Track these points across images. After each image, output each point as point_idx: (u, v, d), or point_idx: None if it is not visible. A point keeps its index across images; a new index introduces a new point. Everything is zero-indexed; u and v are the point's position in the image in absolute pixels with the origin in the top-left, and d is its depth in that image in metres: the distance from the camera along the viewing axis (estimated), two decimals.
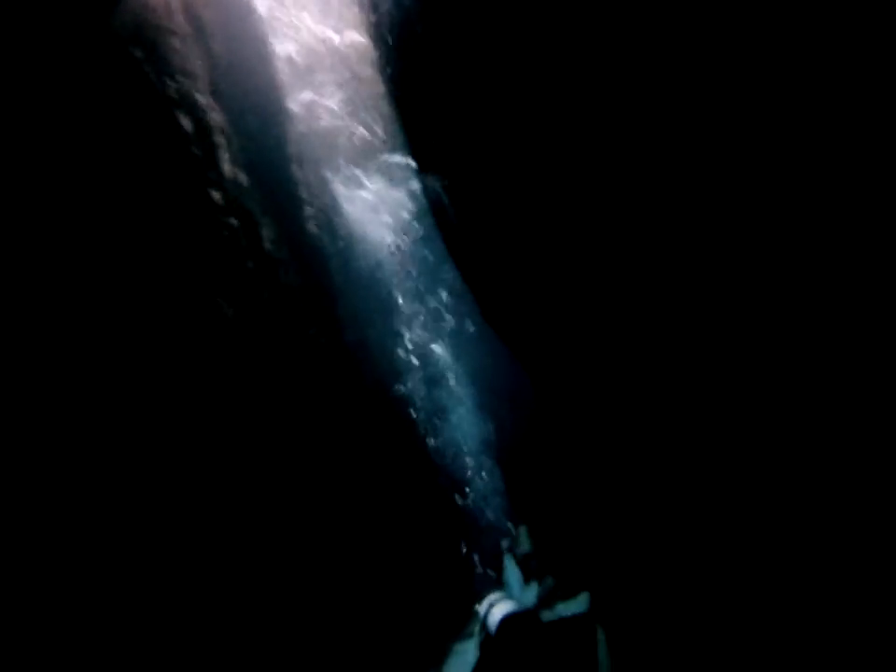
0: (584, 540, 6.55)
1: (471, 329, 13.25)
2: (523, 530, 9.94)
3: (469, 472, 12.69)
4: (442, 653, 7.03)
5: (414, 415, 11.23)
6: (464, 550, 10.31)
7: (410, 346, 12.58)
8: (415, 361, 12.37)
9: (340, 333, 7.96)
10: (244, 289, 5.51)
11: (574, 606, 7.36)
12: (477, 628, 4.15)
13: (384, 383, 9.30)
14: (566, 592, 7.75)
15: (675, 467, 3.12)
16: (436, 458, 11.79)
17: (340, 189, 11.71)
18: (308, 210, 8.26)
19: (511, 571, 9.20)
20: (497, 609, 4.07)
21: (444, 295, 13.93)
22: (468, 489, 12.29)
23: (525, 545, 9.37)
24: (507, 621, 3.91)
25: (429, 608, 7.68)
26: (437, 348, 13.76)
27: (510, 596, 4.38)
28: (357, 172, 12.83)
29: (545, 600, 7.93)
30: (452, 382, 13.89)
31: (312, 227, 8.23)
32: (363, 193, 12.85)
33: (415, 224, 13.19)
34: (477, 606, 4.35)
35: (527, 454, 11.23)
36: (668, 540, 3.42)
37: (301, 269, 7.17)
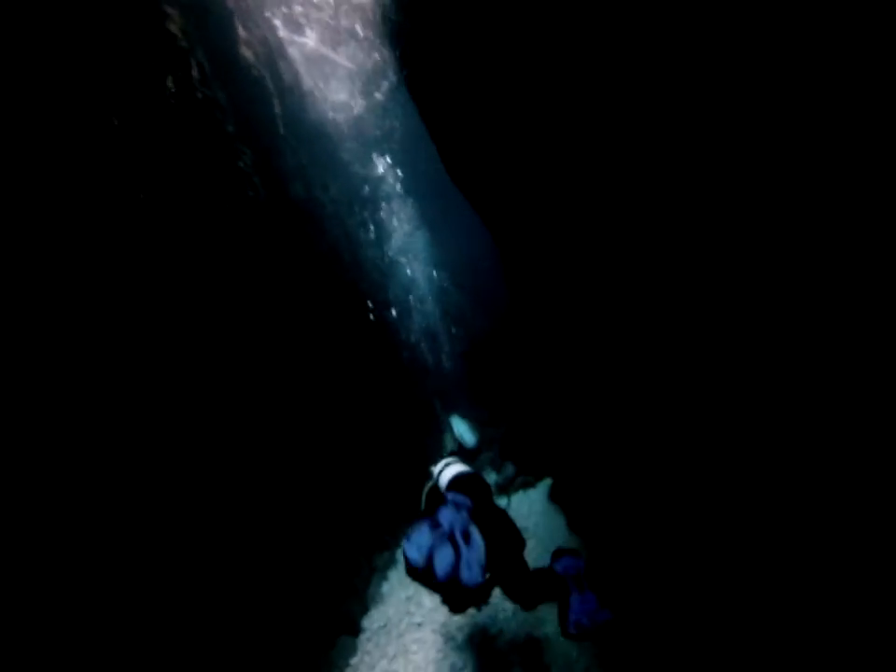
0: (546, 436, 6.80)
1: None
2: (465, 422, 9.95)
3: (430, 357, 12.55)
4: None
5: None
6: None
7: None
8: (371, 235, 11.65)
9: (285, 188, 6.95)
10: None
11: (533, 494, 7.52)
12: (429, 484, 4.06)
13: (338, 251, 8.45)
14: (525, 481, 7.86)
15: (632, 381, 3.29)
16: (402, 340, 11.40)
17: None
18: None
19: (460, 425, 9.39)
20: (449, 469, 4.03)
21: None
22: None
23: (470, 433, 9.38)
24: (457, 478, 3.88)
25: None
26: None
27: (463, 462, 4.18)
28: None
29: (503, 486, 8.07)
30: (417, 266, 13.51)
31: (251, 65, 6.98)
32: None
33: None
34: (432, 466, 4.20)
35: (492, 354, 11.51)
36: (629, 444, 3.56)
37: (238, 115, 6.06)
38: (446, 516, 3.25)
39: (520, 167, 3.96)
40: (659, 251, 2.75)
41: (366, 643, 5.33)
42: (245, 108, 6.30)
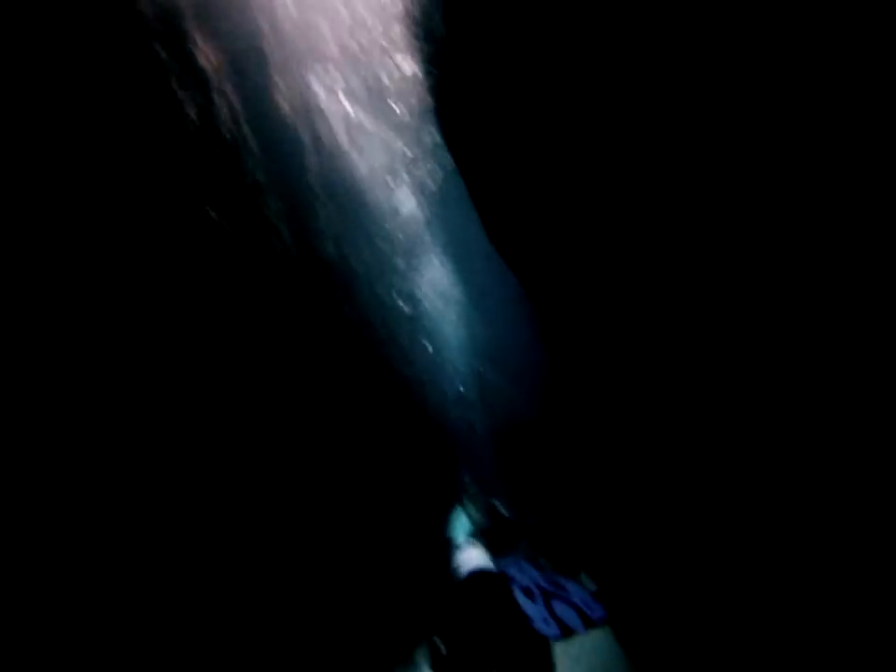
0: (584, 531, 5.93)
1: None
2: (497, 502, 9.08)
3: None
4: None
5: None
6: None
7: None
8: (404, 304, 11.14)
9: (315, 246, 6.47)
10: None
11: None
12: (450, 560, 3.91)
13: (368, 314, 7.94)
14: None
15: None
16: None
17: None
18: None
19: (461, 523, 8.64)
20: (470, 556, 3.86)
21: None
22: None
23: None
24: (477, 574, 3.63)
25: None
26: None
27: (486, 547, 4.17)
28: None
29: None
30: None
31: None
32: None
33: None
34: (454, 536, 4.33)
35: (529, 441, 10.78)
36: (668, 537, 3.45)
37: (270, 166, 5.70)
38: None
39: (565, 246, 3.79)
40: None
41: None
42: (278, 159, 5.92)
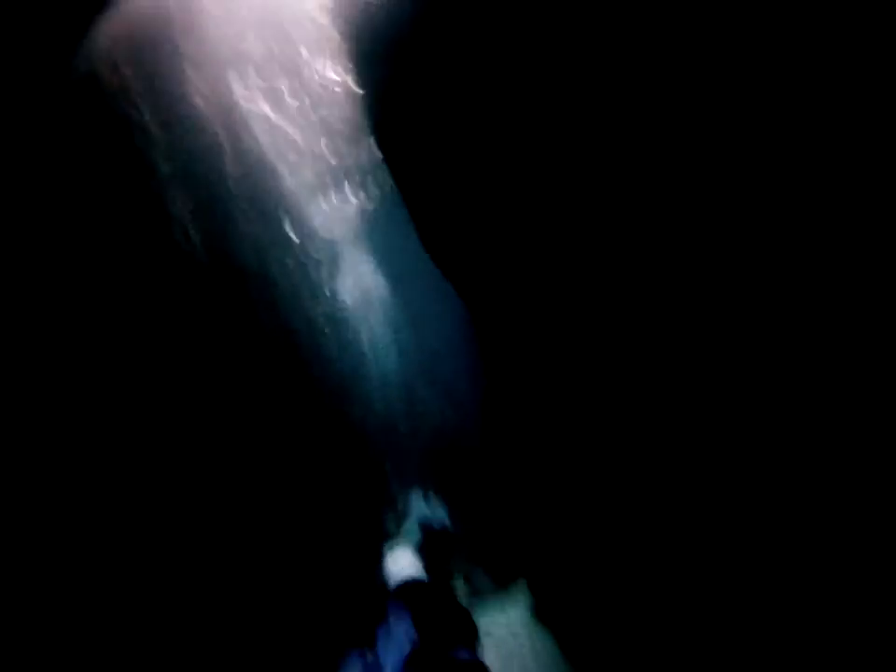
0: (524, 537, 6.07)
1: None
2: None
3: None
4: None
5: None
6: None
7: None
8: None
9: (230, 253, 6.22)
10: None
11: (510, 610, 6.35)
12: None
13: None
14: (498, 588, 6.72)
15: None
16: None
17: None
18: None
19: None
20: (400, 564, 3.52)
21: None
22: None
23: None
24: (406, 587, 3.27)
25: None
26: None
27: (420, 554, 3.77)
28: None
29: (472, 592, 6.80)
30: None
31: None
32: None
33: None
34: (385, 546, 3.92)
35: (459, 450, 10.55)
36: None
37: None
38: (386, 649, 2.56)
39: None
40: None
41: None
42: (189, 156, 5.65)
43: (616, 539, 3.49)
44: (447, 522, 8.64)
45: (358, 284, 13.13)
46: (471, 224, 3.92)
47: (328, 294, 11.13)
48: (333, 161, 12.36)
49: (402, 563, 3.51)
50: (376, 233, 12.77)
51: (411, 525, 8.15)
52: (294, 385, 7.10)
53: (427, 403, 12.46)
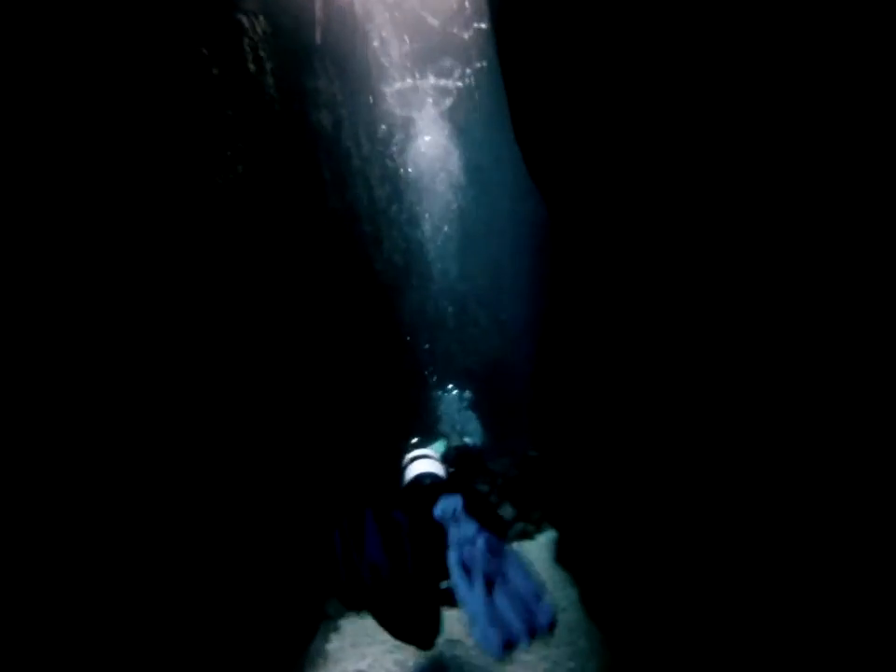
0: (560, 481, 5.58)
1: None
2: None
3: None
4: None
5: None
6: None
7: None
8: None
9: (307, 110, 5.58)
10: None
11: (533, 551, 6.10)
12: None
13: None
14: (525, 530, 6.46)
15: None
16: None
17: None
18: None
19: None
20: (416, 465, 3.60)
21: None
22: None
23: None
24: (416, 481, 3.48)
25: None
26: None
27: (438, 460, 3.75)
28: None
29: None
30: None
31: None
32: None
33: None
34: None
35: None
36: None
37: None
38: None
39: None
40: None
41: None
42: None
43: (644, 497, 3.37)
44: (478, 443, 8.35)
45: (431, 165, 12.21)
46: (573, 117, 3.49)
47: (399, 171, 10.36)
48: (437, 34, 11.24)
49: (419, 463, 3.61)
50: (462, 115, 11.79)
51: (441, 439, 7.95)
52: (355, 270, 6.63)
53: (477, 322, 11.90)
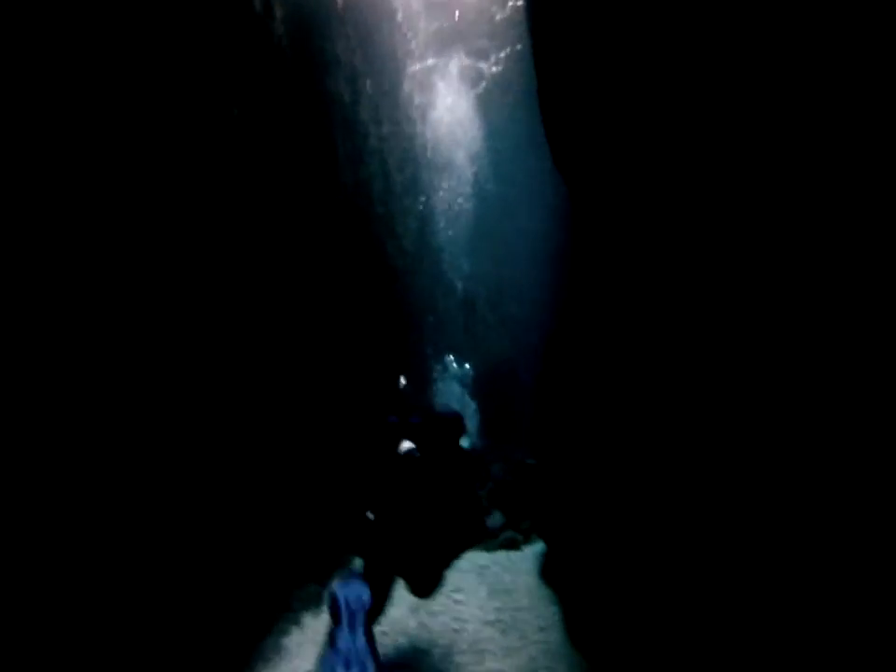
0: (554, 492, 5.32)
1: None
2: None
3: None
4: None
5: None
6: None
7: None
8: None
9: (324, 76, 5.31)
10: None
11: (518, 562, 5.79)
12: None
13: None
14: (511, 539, 6.14)
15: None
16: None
17: None
18: None
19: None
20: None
21: None
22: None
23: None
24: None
25: None
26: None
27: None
28: None
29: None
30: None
31: None
32: None
33: None
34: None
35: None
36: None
37: None
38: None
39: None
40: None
41: None
42: None
43: (637, 515, 3.38)
44: (476, 443, 8.12)
45: (454, 155, 11.93)
46: (605, 106, 3.42)
47: (418, 159, 10.08)
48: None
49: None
50: (493, 102, 11.49)
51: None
52: (365, 251, 6.37)
53: (485, 320, 11.60)
